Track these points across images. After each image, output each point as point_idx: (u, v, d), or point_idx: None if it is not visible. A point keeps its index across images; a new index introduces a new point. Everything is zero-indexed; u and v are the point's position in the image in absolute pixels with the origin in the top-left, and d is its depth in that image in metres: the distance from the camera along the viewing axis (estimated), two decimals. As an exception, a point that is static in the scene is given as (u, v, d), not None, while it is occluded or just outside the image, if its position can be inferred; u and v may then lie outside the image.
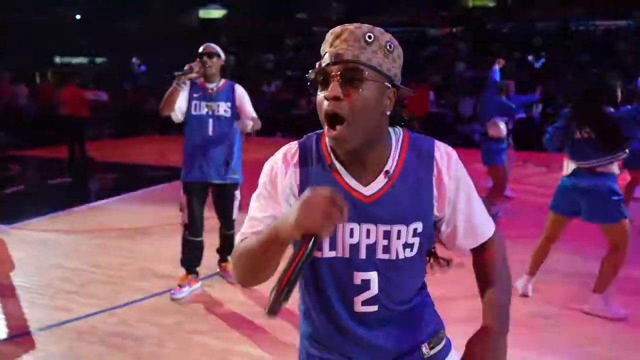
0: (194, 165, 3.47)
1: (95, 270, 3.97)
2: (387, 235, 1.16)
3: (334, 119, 1.09)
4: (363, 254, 1.18)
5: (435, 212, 1.20)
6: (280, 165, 1.21)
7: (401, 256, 1.18)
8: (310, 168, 1.19)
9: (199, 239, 3.55)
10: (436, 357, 1.28)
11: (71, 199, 6.38)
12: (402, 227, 1.16)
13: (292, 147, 1.24)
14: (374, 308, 1.20)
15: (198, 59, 3.43)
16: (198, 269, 3.62)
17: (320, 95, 1.12)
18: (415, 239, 1.18)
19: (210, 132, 3.45)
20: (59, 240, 4.76)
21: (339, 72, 1.09)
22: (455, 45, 21.49)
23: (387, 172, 1.18)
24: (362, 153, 1.16)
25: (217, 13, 27.91)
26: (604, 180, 3.15)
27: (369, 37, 1.12)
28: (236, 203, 3.63)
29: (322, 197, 0.96)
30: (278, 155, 1.23)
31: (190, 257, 3.55)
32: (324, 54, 1.14)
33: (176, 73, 3.31)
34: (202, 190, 3.53)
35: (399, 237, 1.17)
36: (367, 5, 26.16)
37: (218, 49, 3.52)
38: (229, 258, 3.74)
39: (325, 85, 1.11)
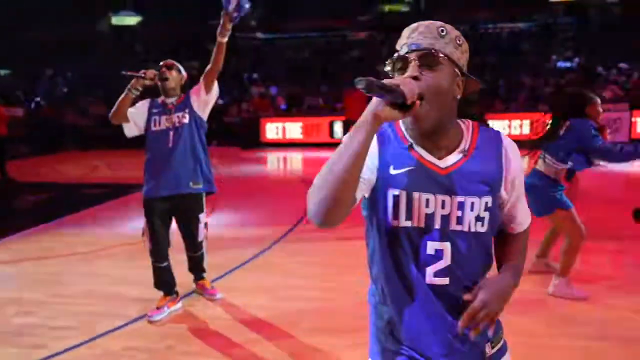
0: (155, 180, 3.30)
1: (60, 301, 3.71)
2: (461, 206, 1.24)
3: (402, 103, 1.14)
4: (437, 224, 1.25)
5: (502, 190, 1.30)
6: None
7: (473, 229, 1.26)
8: (388, 147, 1.29)
9: (164, 264, 3.38)
10: (495, 357, 1.36)
11: (4, 226, 5.86)
12: (475, 200, 1.25)
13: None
14: (446, 280, 1.26)
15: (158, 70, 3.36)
16: (177, 288, 3.50)
17: (392, 83, 1.15)
18: (486, 214, 1.26)
19: (170, 144, 3.29)
20: (6, 272, 4.40)
21: (416, 57, 1.21)
22: (377, 49, 22.19)
23: (462, 149, 1.28)
24: (435, 134, 1.25)
25: (131, 20, 26.82)
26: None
27: (442, 30, 1.25)
28: (202, 217, 3.45)
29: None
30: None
31: (163, 281, 3.42)
32: (401, 47, 1.26)
33: (125, 73, 3.23)
34: (164, 208, 3.33)
35: (472, 209, 1.25)
36: (286, 10, 26.44)
37: (178, 65, 3.44)
38: (204, 275, 3.67)
39: (403, 71, 1.23)
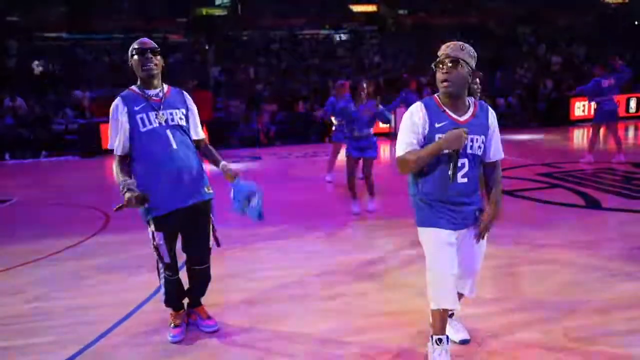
0: (165, 191, 2.73)
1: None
2: (472, 140, 2.37)
3: (446, 80, 2.32)
4: (463, 150, 2.34)
5: (489, 134, 2.44)
6: (417, 111, 2.41)
7: (477, 152, 2.40)
8: (431, 111, 2.40)
9: (177, 276, 2.99)
10: (478, 218, 2.49)
11: None
12: (478, 137, 2.39)
13: (419, 103, 2.44)
14: (465, 179, 2.40)
15: (138, 56, 2.71)
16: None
17: (439, 73, 2.34)
18: (482, 145, 2.42)
19: (173, 144, 2.74)
20: None
21: (448, 60, 2.32)
22: (198, 52, 21.99)
23: (471, 112, 2.42)
24: (455, 101, 2.39)
25: None
26: None
27: (462, 47, 2.36)
28: (212, 224, 2.98)
29: (459, 133, 2.27)
30: (414, 107, 2.43)
31: (178, 295, 3.06)
32: (441, 55, 2.35)
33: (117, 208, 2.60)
34: (177, 221, 2.82)
35: (476, 142, 2.39)
36: (92, 9, 24.53)
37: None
38: (202, 300, 3.14)
39: (441, 68, 2.33)
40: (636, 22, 25.06)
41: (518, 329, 2.90)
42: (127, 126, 2.72)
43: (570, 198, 5.96)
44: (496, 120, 2.48)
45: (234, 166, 2.96)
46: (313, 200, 6.61)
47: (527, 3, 25.03)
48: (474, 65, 2.38)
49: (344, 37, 24.47)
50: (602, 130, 8.80)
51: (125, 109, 2.72)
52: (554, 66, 19.84)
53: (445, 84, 2.34)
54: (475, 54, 2.39)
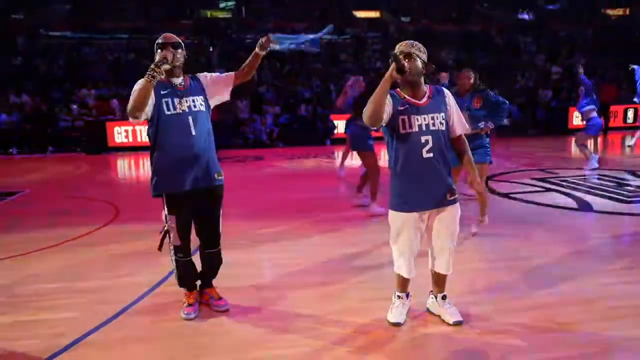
0: (180, 173, 2.96)
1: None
2: (432, 118, 2.78)
3: (403, 70, 2.59)
4: (424, 127, 2.77)
5: (447, 110, 2.84)
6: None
7: (439, 128, 2.78)
8: (395, 100, 2.78)
9: (189, 257, 3.19)
10: (451, 203, 2.85)
11: None
12: (437, 114, 2.79)
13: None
14: (431, 154, 2.76)
15: (161, 50, 2.93)
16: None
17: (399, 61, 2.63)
18: (444, 121, 2.81)
19: (192, 131, 2.98)
20: None
21: (405, 55, 2.72)
22: (205, 54, 22.26)
23: (427, 95, 2.83)
24: (414, 87, 2.80)
25: None
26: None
27: (413, 44, 2.78)
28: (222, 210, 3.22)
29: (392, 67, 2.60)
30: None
31: (191, 275, 3.26)
32: (399, 51, 2.75)
33: (153, 68, 2.77)
34: (188, 202, 3.04)
35: (437, 119, 2.79)
36: (98, 9, 24.80)
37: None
38: (214, 283, 3.37)
39: (395, 59, 2.66)
40: (638, 34, 25.34)
41: (507, 314, 3.12)
42: (151, 105, 2.91)
43: (564, 201, 6.20)
44: (453, 99, 2.92)
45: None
46: (318, 197, 6.84)
47: (528, 12, 25.35)
48: (425, 58, 2.81)
49: (346, 41, 24.72)
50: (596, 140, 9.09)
51: (152, 90, 2.86)
52: (554, 75, 20.14)
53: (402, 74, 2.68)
54: (425, 49, 2.82)
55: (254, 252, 4.52)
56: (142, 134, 12.98)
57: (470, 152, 2.97)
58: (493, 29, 25.21)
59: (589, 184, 7.19)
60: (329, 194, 7.10)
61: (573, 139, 8.90)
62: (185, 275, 3.24)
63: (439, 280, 3.08)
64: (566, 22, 25.21)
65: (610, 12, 28.47)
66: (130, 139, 12.92)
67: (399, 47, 2.78)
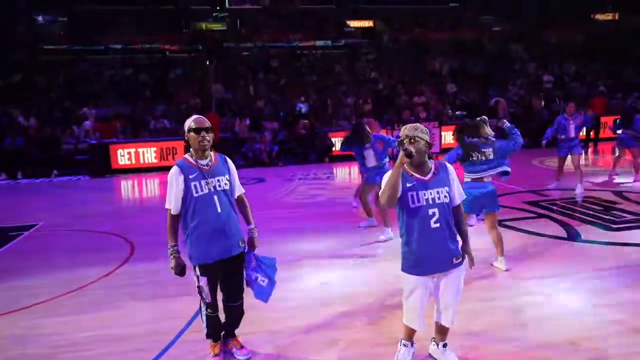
0: (210, 246, 3.36)
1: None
2: (437, 192, 3.15)
3: (411, 154, 3.02)
4: (431, 201, 3.14)
5: (450, 184, 3.20)
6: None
7: (444, 201, 3.16)
8: (404, 178, 3.15)
9: (217, 313, 3.57)
10: (456, 265, 3.23)
11: None
12: (442, 189, 3.16)
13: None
14: (438, 225, 3.14)
15: (196, 134, 3.33)
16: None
17: (406, 146, 3.07)
18: (447, 194, 3.18)
19: (218, 208, 3.37)
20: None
21: (410, 139, 3.11)
22: (202, 67, 22.53)
23: (432, 171, 3.19)
24: (420, 165, 3.17)
25: None
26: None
27: (417, 127, 3.19)
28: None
29: (402, 154, 3.04)
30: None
31: (218, 329, 3.63)
32: (405, 135, 3.14)
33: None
34: (216, 267, 3.43)
35: (442, 192, 3.15)
36: (96, 23, 25.03)
37: (209, 122, 3.44)
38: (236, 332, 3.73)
39: (401, 143, 3.14)
40: (626, 39, 25.82)
41: (501, 358, 3.48)
42: (182, 190, 3.33)
43: (554, 229, 6.57)
44: (454, 171, 3.31)
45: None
46: (325, 229, 7.18)
47: (519, 20, 25.80)
48: (428, 139, 3.20)
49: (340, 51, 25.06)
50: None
51: (182, 177, 3.34)
52: (546, 84, 20.57)
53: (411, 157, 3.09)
54: (427, 130, 3.23)
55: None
56: (146, 156, 13.32)
57: (466, 226, 3.39)
58: (484, 38, 25.65)
59: (578, 208, 7.57)
60: (335, 223, 7.44)
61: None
62: (214, 328, 3.60)
63: (441, 331, 3.44)
64: (556, 28, 25.66)
65: (599, 17, 28.99)
66: (134, 161, 13.24)
67: (404, 132, 3.18)
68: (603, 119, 15.89)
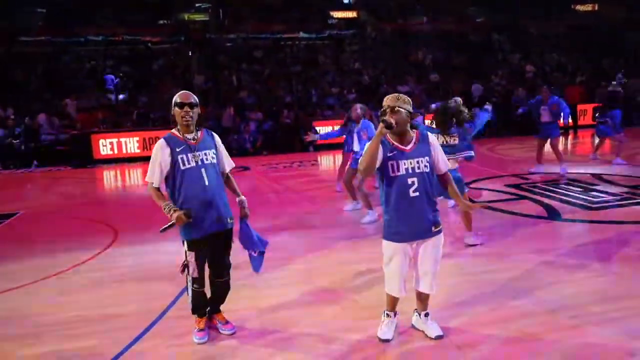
0: (199, 221, 3.34)
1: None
2: (418, 162, 3.20)
3: (391, 126, 3.09)
4: (411, 170, 3.19)
5: (431, 153, 3.25)
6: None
7: (425, 170, 3.21)
8: (385, 146, 3.19)
9: (203, 288, 3.56)
10: (435, 234, 3.30)
11: None
12: (422, 158, 3.21)
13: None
14: (417, 194, 3.19)
15: (179, 108, 3.32)
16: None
17: (386, 117, 3.11)
18: (428, 164, 3.22)
19: (206, 181, 3.37)
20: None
21: (390, 110, 3.16)
22: (184, 58, 22.34)
23: (413, 141, 3.24)
24: (401, 135, 3.22)
25: None
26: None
27: (399, 97, 3.21)
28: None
29: (382, 125, 3.09)
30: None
31: (203, 304, 3.62)
32: (386, 105, 3.17)
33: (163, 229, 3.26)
34: (205, 242, 3.42)
35: (422, 163, 3.20)
36: (75, 14, 24.60)
37: (195, 97, 3.43)
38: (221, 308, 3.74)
39: (384, 113, 3.18)
40: (606, 30, 26.21)
41: (482, 327, 3.56)
42: (168, 164, 3.33)
43: (535, 209, 6.69)
44: (435, 140, 3.38)
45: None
46: (309, 212, 7.21)
47: (502, 11, 25.99)
48: (410, 108, 3.23)
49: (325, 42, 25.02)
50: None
51: (168, 150, 3.34)
52: (528, 74, 20.80)
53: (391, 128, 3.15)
54: (410, 99, 3.26)
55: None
56: (128, 146, 13.20)
57: (455, 185, 3.46)
58: (468, 28, 25.81)
59: (558, 190, 7.71)
60: (320, 208, 7.47)
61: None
62: (199, 304, 3.60)
63: (422, 299, 3.50)
64: (537, 19, 25.92)
65: (580, 8, 29.35)
66: (116, 151, 13.12)
67: (386, 102, 3.21)
68: (582, 107, 16.18)
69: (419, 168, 3.20)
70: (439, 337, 3.42)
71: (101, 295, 4.45)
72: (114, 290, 4.57)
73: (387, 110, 3.16)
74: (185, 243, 3.44)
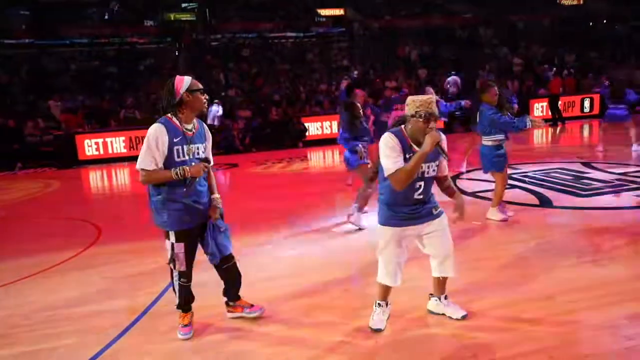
0: (189, 213, 3.21)
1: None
2: (429, 166, 3.09)
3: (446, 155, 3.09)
4: (421, 174, 3.07)
5: (440, 158, 3.14)
6: (395, 140, 3.03)
7: (431, 174, 3.13)
8: (403, 141, 3.05)
9: (190, 283, 3.43)
10: (438, 214, 3.24)
11: None
12: (432, 164, 3.11)
13: (393, 136, 3.04)
14: (421, 196, 3.15)
15: (200, 94, 3.15)
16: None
17: (425, 124, 3.00)
18: (435, 168, 3.15)
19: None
20: None
21: (434, 118, 3.02)
22: (171, 58, 22.14)
23: None
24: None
25: None
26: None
27: (431, 101, 3.02)
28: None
29: (434, 137, 2.95)
30: (389, 136, 3.05)
31: (189, 299, 3.48)
32: (425, 112, 2.98)
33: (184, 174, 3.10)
34: (194, 232, 3.32)
35: (431, 167, 3.11)
36: (58, 14, 24.27)
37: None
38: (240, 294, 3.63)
39: (427, 120, 3.00)
40: (591, 23, 26.37)
41: (476, 313, 3.45)
42: (164, 153, 3.09)
43: (526, 198, 6.62)
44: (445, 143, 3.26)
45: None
46: (300, 206, 7.08)
47: (488, 6, 26.04)
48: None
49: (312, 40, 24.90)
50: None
51: (167, 138, 3.08)
52: (516, 67, 20.82)
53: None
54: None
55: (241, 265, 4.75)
56: (114, 146, 12.98)
57: (454, 189, 3.36)
58: (455, 23, 25.82)
59: (549, 179, 7.65)
60: (310, 201, 7.35)
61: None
62: (185, 299, 3.45)
63: (441, 283, 3.43)
64: (524, 13, 26.00)
65: (565, 1, 29.48)
66: (102, 151, 12.89)
67: (423, 106, 2.98)
68: (568, 99, 16.23)
69: (427, 173, 3.12)
70: (464, 317, 3.37)
71: (84, 293, 4.29)
72: (97, 287, 4.41)
73: (432, 119, 2.99)
74: (173, 235, 3.25)
